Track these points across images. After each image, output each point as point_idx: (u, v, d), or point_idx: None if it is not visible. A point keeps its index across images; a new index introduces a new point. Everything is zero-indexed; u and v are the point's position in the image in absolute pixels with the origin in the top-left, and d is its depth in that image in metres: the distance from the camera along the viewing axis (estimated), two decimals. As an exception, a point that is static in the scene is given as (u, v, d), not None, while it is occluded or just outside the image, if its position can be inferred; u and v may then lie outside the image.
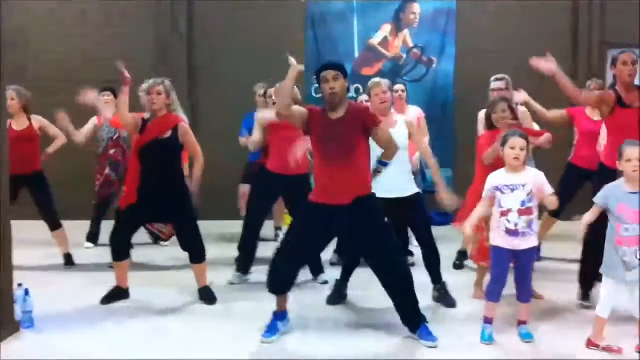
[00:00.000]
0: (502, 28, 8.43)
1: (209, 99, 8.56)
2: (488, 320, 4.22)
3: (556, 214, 5.89)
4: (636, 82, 4.69)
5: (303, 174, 5.37)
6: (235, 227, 6.23)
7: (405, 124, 4.87)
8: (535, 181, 4.05)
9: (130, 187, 4.86)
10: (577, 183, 5.93)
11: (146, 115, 4.90)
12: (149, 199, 4.77)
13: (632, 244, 3.84)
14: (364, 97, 6.12)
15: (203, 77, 8.63)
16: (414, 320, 4.16)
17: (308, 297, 5.08)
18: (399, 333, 4.23)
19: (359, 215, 4.02)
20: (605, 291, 3.98)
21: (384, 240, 4.11)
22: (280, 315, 4.26)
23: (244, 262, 5.58)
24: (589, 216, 4.01)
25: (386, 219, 4.31)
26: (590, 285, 4.75)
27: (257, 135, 5.47)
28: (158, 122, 4.81)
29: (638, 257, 3.84)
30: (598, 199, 3.99)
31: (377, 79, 5.00)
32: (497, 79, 5.78)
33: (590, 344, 3.99)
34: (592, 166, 5.67)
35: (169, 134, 4.80)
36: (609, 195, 3.94)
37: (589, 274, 4.67)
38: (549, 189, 4.09)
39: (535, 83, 7.36)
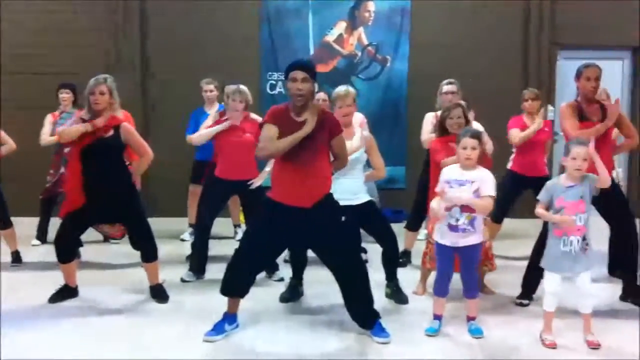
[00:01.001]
0: (456, 28, 8.53)
1: (162, 94, 8.43)
2: (437, 317, 4.30)
3: (498, 220, 6.03)
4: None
5: (253, 178, 5.36)
6: (186, 224, 6.18)
7: (363, 139, 4.88)
8: (482, 180, 4.12)
9: (74, 189, 4.68)
10: (516, 189, 6.07)
11: (85, 114, 4.70)
12: (95, 201, 4.65)
13: (571, 233, 3.96)
14: (321, 95, 6.12)
15: (156, 73, 8.49)
16: (368, 318, 4.19)
17: (263, 294, 5.06)
18: (353, 329, 4.25)
19: (320, 218, 4.02)
20: (549, 285, 4.09)
21: (344, 241, 4.13)
22: (229, 317, 4.22)
23: (197, 263, 5.53)
24: (539, 209, 4.11)
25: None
26: (532, 288, 4.87)
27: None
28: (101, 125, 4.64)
29: (581, 247, 3.96)
30: (541, 195, 4.11)
31: (343, 90, 4.84)
32: (448, 83, 5.86)
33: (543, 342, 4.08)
34: (530, 173, 5.87)
35: (111, 133, 4.67)
36: (549, 191, 4.07)
37: (534, 277, 4.79)
38: (487, 190, 4.11)
39: (485, 83, 7.55)
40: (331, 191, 4.16)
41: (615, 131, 5.16)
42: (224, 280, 4.17)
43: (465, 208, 4.09)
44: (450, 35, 8.51)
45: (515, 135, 5.91)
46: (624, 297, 4.95)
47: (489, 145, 5.21)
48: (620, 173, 5.62)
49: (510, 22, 8.57)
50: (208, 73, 6.92)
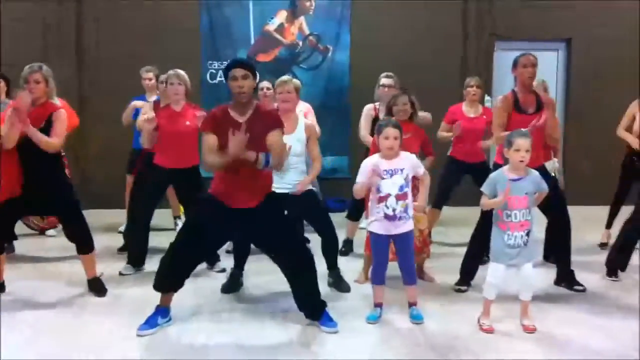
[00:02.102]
0: (396, 19, 8.60)
1: (97, 83, 8.22)
2: (377, 305, 4.35)
3: (438, 206, 6.16)
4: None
5: (192, 166, 5.29)
6: (124, 215, 6.08)
7: (305, 128, 4.88)
8: (411, 165, 4.18)
9: (9, 179, 4.48)
10: (456, 175, 6.20)
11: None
12: (28, 192, 4.49)
13: (515, 229, 4.04)
14: (265, 84, 6.08)
15: (92, 61, 8.27)
16: (316, 308, 4.19)
17: (204, 285, 5.02)
18: (296, 319, 4.25)
19: (263, 218, 3.99)
20: (492, 275, 4.16)
21: (289, 236, 4.12)
22: (162, 310, 4.15)
23: (136, 256, 5.43)
24: (483, 200, 4.17)
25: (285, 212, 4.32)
26: (471, 274, 4.97)
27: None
28: (36, 112, 4.46)
29: (523, 242, 4.05)
30: (485, 187, 4.15)
31: (284, 78, 4.93)
32: (387, 76, 5.94)
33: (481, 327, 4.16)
34: (469, 159, 6.02)
35: (44, 124, 4.49)
36: (494, 182, 4.12)
37: (472, 264, 4.89)
38: (421, 169, 4.25)
39: (425, 74, 7.65)
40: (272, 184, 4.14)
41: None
42: (157, 276, 4.10)
43: (399, 196, 4.12)
44: (391, 26, 8.57)
45: (440, 132, 6.16)
46: (558, 282, 5.11)
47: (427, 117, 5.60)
48: (556, 163, 5.78)
49: (449, 13, 8.69)
50: (146, 62, 6.78)
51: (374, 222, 4.25)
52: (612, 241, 5.91)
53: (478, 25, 8.72)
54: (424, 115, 5.69)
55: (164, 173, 5.25)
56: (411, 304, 4.35)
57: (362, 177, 4.22)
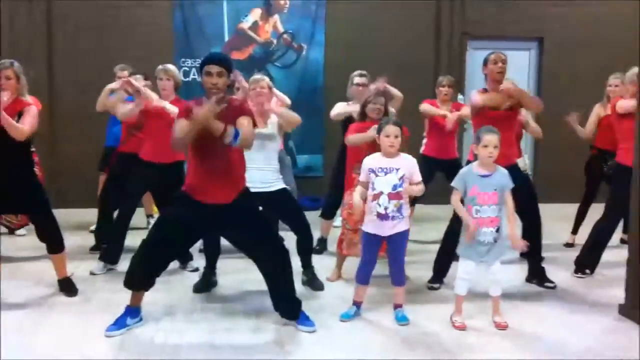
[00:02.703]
0: (369, 16, 8.63)
1: (68, 80, 8.12)
2: (356, 303, 4.35)
3: (412, 203, 6.18)
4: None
5: (179, 161, 5.25)
6: (95, 214, 6.02)
7: (277, 122, 4.88)
8: (408, 167, 4.17)
9: None
10: (429, 172, 6.20)
11: None
12: None
13: (484, 225, 4.07)
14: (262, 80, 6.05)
15: (63, 58, 8.16)
16: (293, 307, 4.17)
17: (176, 285, 4.98)
18: (270, 318, 4.24)
19: (238, 214, 3.96)
20: (462, 271, 4.20)
21: (265, 234, 4.08)
22: (132, 311, 4.10)
23: (113, 253, 5.36)
24: (455, 197, 4.18)
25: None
26: (444, 272, 5.00)
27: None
28: (6, 109, 4.35)
29: (493, 239, 4.08)
30: (455, 182, 4.19)
31: (257, 76, 4.97)
32: (360, 75, 5.96)
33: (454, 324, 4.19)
34: (442, 155, 6.09)
35: (15, 120, 4.40)
36: (463, 178, 4.15)
37: (445, 262, 4.93)
38: (418, 177, 4.21)
39: (399, 72, 7.66)
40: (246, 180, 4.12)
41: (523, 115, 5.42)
42: (128, 273, 4.05)
43: (392, 195, 4.12)
44: (365, 25, 8.60)
45: (424, 106, 6.15)
46: (529, 279, 5.17)
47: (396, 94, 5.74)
48: (526, 160, 5.85)
49: (422, 12, 8.74)
50: (118, 59, 6.70)
51: (367, 221, 4.23)
52: (578, 242, 6.03)
53: (450, 25, 8.78)
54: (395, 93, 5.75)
55: (153, 167, 5.22)
56: (397, 306, 4.34)
57: (362, 176, 4.25)
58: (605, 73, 6.15)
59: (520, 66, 8.71)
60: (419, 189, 4.20)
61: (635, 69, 4.83)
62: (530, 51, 9.21)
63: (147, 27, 8.19)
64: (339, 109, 5.89)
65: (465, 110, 5.75)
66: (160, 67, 5.30)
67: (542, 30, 8.99)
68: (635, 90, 4.66)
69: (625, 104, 4.97)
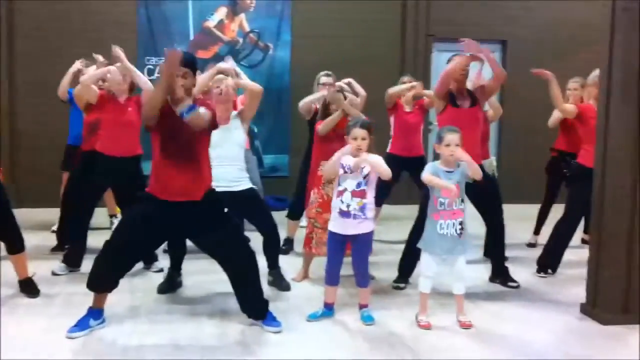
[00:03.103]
0: (336, 16, 8.65)
1: (29, 77, 7.95)
2: (328, 305, 4.34)
3: (378, 203, 6.21)
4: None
5: (138, 155, 5.25)
6: (56, 214, 5.92)
7: (237, 114, 4.88)
8: (373, 165, 4.18)
9: None
10: (396, 171, 6.25)
11: None
12: None
13: (448, 218, 4.12)
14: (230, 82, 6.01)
15: (24, 55, 7.99)
16: (259, 308, 4.14)
17: (141, 286, 4.92)
18: (236, 319, 4.21)
19: (203, 214, 3.92)
20: (425, 267, 4.24)
21: (230, 234, 4.05)
22: (94, 312, 4.02)
23: (73, 256, 5.28)
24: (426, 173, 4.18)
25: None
26: (409, 271, 5.03)
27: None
28: None
29: (457, 231, 4.13)
30: (427, 170, 4.21)
31: (221, 75, 4.93)
32: (326, 74, 5.99)
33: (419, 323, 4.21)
34: (408, 153, 6.16)
35: None
36: (431, 169, 4.20)
37: (411, 261, 4.95)
38: (385, 170, 4.18)
39: (365, 72, 7.71)
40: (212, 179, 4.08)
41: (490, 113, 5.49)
42: (90, 275, 3.97)
43: (356, 193, 4.13)
44: (331, 24, 8.62)
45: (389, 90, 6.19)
46: (492, 278, 5.23)
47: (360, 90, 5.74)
48: (494, 162, 5.92)
49: (388, 13, 8.80)
50: (81, 56, 6.59)
51: (332, 220, 4.24)
52: (540, 242, 6.13)
53: (416, 26, 8.85)
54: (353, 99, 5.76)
55: (107, 161, 5.17)
56: (362, 306, 4.34)
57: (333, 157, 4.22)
58: (568, 75, 6.26)
59: (484, 68, 8.79)
60: (385, 169, 4.17)
61: (597, 72, 4.92)
62: (494, 54, 9.29)
63: (111, 25, 8.06)
64: (306, 99, 5.88)
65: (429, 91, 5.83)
66: (118, 64, 5.21)
67: (506, 32, 9.12)
68: (597, 93, 4.75)
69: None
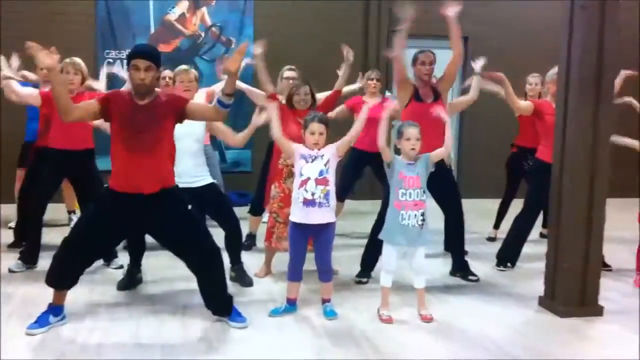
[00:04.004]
0: (299, 11, 8.63)
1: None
2: (290, 301, 4.33)
3: (341, 198, 6.27)
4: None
5: (89, 148, 5.19)
6: (11, 210, 5.80)
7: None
8: (332, 152, 4.20)
9: None
10: (358, 165, 6.35)
11: None
12: None
13: (409, 208, 4.15)
14: (167, 73, 5.96)
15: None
16: (224, 304, 4.11)
17: (100, 283, 4.84)
18: (197, 316, 4.18)
19: (165, 207, 3.87)
20: (386, 261, 4.26)
21: (192, 229, 4.00)
22: (54, 309, 3.96)
23: (30, 253, 5.17)
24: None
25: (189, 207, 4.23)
26: (371, 266, 5.06)
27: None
28: None
29: (418, 222, 4.16)
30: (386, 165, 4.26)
31: (184, 66, 4.97)
32: (290, 69, 6.00)
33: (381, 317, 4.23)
34: (372, 149, 6.19)
35: None
36: (394, 163, 4.24)
37: (373, 256, 4.98)
38: (341, 143, 4.26)
39: (327, 68, 7.71)
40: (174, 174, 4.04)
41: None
42: (49, 271, 3.90)
43: (319, 181, 4.13)
44: (293, 20, 8.60)
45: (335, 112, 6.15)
46: (453, 272, 5.29)
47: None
48: (452, 156, 5.98)
49: (351, 10, 8.82)
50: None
51: (294, 210, 4.22)
52: (499, 236, 6.22)
53: (378, 22, 8.89)
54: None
55: (59, 155, 5.09)
56: (325, 300, 4.34)
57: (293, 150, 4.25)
58: (527, 72, 6.36)
59: (445, 65, 8.88)
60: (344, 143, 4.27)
61: (555, 69, 5.01)
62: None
63: (69, 16, 7.90)
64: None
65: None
66: (67, 60, 5.11)
67: (467, 29, 9.19)
68: (555, 90, 4.83)
69: (520, 105, 5.31)
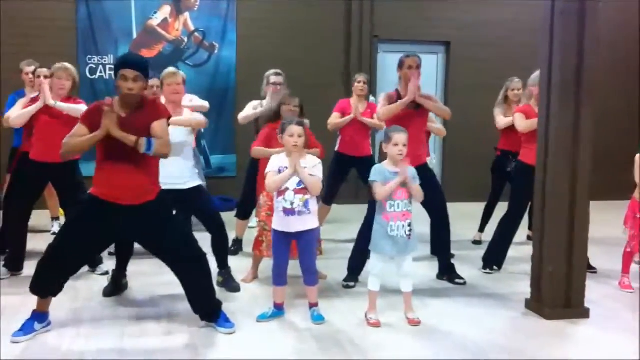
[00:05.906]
0: (282, 16, 8.65)
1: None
2: (277, 306, 4.31)
3: (328, 202, 6.28)
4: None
5: (73, 160, 5.09)
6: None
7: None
8: (311, 165, 4.19)
9: None
10: (343, 169, 6.36)
11: None
12: None
13: (397, 219, 4.15)
14: (155, 82, 5.90)
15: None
16: (212, 309, 4.08)
17: (85, 289, 4.79)
18: (182, 321, 4.15)
19: (149, 217, 3.84)
20: (374, 266, 4.26)
21: (178, 235, 3.97)
22: (39, 315, 3.91)
23: (14, 259, 5.12)
24: (378, 189, 4.19)
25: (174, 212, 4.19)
26: (358, 270, 5.06)
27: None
28: None
29: (406, 233, 4.16)
30: (374, 176, 4.21)
31: (172, 69, 4.94)
32: (276, 74, 5.97)
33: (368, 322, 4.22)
34: (356, 153, 6.22)
35: None
36: (379, 173, 4.22)
37: (360, 260, 4.98)
38: (319, 174, 4.20)
39: (310, 73, 7.75)
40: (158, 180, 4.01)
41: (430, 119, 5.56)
42: (34, 278, 3.85)
43: (297, 190, 4.12)
44: (277, 24, 8.61)
45: (331, 120, 6.23)
46: (439, 276, 5.30)
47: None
48: (434, 160, 6.01)
49: (333, 15, 8.85)
50: (19, 55, 6.40)
51: (275, 218, 4.21)
52: (485, 239, 6.25)
53: (360, 27, 8.92)
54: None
55: (40, 167, 5.02)
56: (312, 305, 4.32)
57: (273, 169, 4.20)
58: (508, 76, 6.41)
59: (428, 70, 8.88)
60: (312, 183, 4.16)
61: (537, 72, 5.05)
62: (438, 55, 9.48)
63: (49, 22, 7.84)
64: (247, 112, 5.89)
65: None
66: (59, 65, 5.08)
67: (449, 34, 9.27)
68: (537, 93, 4.87)
69: (526, 124, 5.27)
